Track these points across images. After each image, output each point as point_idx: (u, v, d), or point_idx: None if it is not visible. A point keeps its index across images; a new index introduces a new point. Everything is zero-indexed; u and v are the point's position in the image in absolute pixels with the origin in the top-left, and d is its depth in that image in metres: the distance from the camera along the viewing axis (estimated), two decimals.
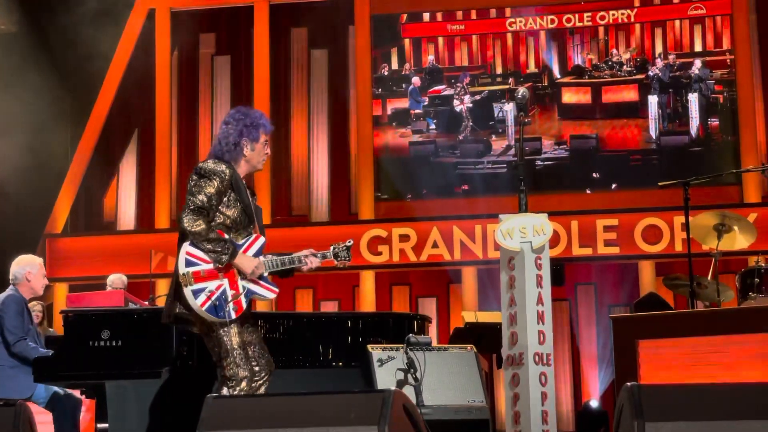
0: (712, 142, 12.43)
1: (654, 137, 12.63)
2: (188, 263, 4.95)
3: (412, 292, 12.51)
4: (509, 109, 12.89)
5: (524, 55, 13.08)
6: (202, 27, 13.22)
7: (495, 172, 12.75)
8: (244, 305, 5.01)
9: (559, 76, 12.87)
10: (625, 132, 12.69)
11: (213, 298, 4.91)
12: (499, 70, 13.12)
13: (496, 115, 13.04)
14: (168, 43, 12.98)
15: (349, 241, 5.36)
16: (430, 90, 13.12)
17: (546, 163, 12.67)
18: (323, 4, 12.91)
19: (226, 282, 4.96)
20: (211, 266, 4.95)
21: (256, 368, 5.04)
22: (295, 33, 13.17)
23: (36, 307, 9.23)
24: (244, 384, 4.97)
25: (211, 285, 4.93)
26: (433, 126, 13.10)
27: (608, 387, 11.58)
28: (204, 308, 4.91)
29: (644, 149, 12.62)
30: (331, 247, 5.32)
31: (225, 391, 4.98)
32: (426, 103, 13.10)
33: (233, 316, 4.94)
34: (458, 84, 13.12)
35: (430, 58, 13.22)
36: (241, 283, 5.01)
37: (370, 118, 12.58)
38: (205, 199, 4.96)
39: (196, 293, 4.92)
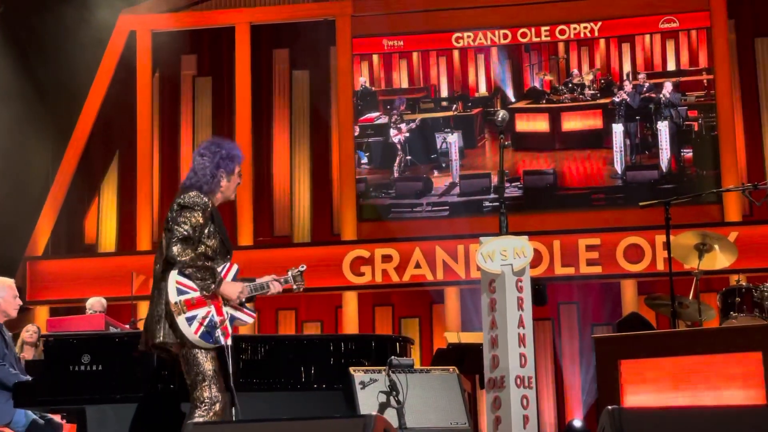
0: (685, 178, 11.94)
1: (619, 172, 11.86)
2: (179, 292, 5.08)
3: (395, 313, 12.49)
4: (454, 139, 11.73)
5: (473, 76, 12.04)
6: (184, 48, 13.21)
7: (435, 216, 11.90)
8: (230, 330, 5.15)
9: (513, 100, 12.02)
10: (586, 166, 11.72)
11: (204, 324, 5.07)
12: (444, 94, 12.12)
13: (438, 146, 11.98)
14: (149, 64, 12.96)
15: (302, 266, 5.49)
16: (361, 118, 12.39)
17: (495, 204, 11.43)
18: (305, 26, 12.93)
19: (213, 309, 5.13)
20: (197, 294, 5.08)
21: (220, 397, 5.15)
22: (277, 54, 13.18)
23: (31, 328, 9.22)
24: (217, 407, 5.09)
25: (201, 312, 5.08)
26: (364, 160, 12.31)
27: (592, 406, 11.57)
28: (198, 335, 5.05)
29: (608, 186, 11.91)
30: (288, 272, 5.44)
31: (197, 413, 5.04)
32: (356, 134, 12.36)
33: (222, 341, 5.10)
34: (395, 110, 12.01)
35: (361, 80, 12.31)
36: (224, 308, 5.16)
37: (352, 139, 12.57)
38: (191, 229, 5.08)
39: (189, 321, 5.05)
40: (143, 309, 11.50)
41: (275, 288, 5.36)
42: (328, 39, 12.85)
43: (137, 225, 12.65)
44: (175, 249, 5.04)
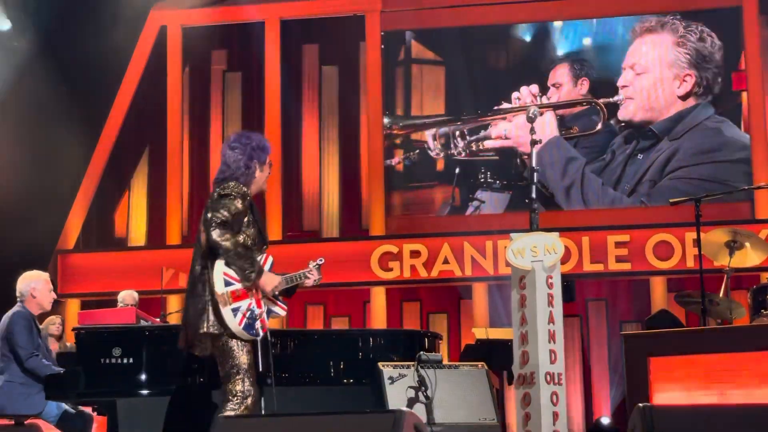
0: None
1: None
2: (226, 283, 5.11)
3: (423, 308, 12.48)
4: None
5: None
6: (214, 43, 13.26)
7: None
8: (267, 323, 5.16)
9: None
10: None
11: (247, 316, 5.11)
12: None
13: None
14: (179, 59, 13.02)
15: (320, 259, 5.51)
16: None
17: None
18: (334, 21, 12.95)
19: (253, 301, 5.17)
20: (242, 285, 5.12)
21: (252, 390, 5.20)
22: (306, 49, 13.20)
23: (56, 321, 9.32)
24: (249, 400, 5.12)
25: (244, 304, 5.14)
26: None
27: (620, 403, 11.52)
28: (241, 326, 5.10)
29: None
30: (310, 264, 5.47)
31: (229, 406, 5.07)
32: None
33: (261, 333, 5.14)
34: None
35: None
36: (262, 300, 5.21)
37: (381, 134, 12.58)
38: (229, 215, 5.10)
39: (234, 312, 5.07)
40: (173, 303, 11.58)
41: (303, 280, 5.42)
42: (357, 34, 12.85)
43: (167, 219, 12.72)
44: (215, 233, 5.05)
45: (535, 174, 5.59)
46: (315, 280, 5.47)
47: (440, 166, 12.57)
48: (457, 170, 12.47)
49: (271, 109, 12.78)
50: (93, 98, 12.65)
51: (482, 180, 12.41)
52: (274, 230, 12.37)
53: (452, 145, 12.47)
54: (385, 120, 12.65)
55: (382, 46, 12.78)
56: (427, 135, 12.60)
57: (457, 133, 12.46)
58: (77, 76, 12.24)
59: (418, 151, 12.64)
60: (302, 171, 12.97)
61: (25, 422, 6.37)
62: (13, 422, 6.40)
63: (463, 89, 12.51)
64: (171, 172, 12.76)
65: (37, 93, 11.83)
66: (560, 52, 12.55)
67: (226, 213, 5.10)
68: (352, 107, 12.95)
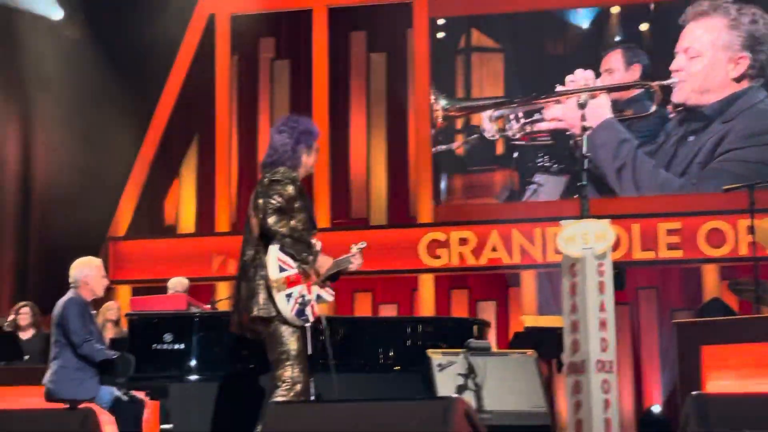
0: None
1: None
2: (281, 269, 5.13)
3: (472, 296, 12.44)
4: None
5: None
6: (262, 31, 13.29)
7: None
8: (317, 309, 5.19)
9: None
10: None
11: (299, 302, 5.12)
12: None
13: None
14: (228, 47, 13.07)
15: (362, 243, 5.52)
16: None
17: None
18: (382, 8, 12.91)
19: (305, 287, 5.20)
20: (296, 271, 5.14)
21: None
22: (354, 36, 13.19)
23: (113, 306, 9.46)
24: (298, 387, 5.14)
25: (296, 290, 5.18)
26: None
27: (671, 392, 11.42)
28: (293, 312, 5.14)
29: None
30: (352, 248, 5.49)
31: (278, 393, 5.10)
32: None
33: (311, 319, 5.16)
34: None
35: None
36: (313, 287, 5.23)
37: (429, 122, 12.54)
38: (283, 200, 5.14)
39: (287, 298, 5.12)
40: (222, 290, 11.66)
41: (348, 264, 5.43)
42: (405, 21, 12.81)
43: (216, 207, 12.81)
44: (271, 219, 5.11)
45: (586, 161, 5.54)
46: (358, 264, 5.49)
47: (499, 149, 12.53)
48: (515, 154, 12.43)
49: (318, 97, 12.80)
50: (143, 86, 12.75)
51: (540, 164, 12.36)
52: (322, 218, 12.39)
53: (507, 128, 12.44)
54: (443, 101, 12.61)
55: (443, 34, 12.73)
56: (483, 117, 12.54)
57: (512, 115, 12.41)
58: (127, 64, 12.35)
59: (477, 135, 12.61)
60: (350, 159, 12.98)
61: (79, 406, 6.45)
62: (67, 406, 6.49)
63: (519, 75, 12.46)
64: (219, 159, 12.83)
65: (87, 81, 11.95)
66: (615, 38, 12.42)
67: (279, 198, 5.14)
68: (400, 95, 12.92)
